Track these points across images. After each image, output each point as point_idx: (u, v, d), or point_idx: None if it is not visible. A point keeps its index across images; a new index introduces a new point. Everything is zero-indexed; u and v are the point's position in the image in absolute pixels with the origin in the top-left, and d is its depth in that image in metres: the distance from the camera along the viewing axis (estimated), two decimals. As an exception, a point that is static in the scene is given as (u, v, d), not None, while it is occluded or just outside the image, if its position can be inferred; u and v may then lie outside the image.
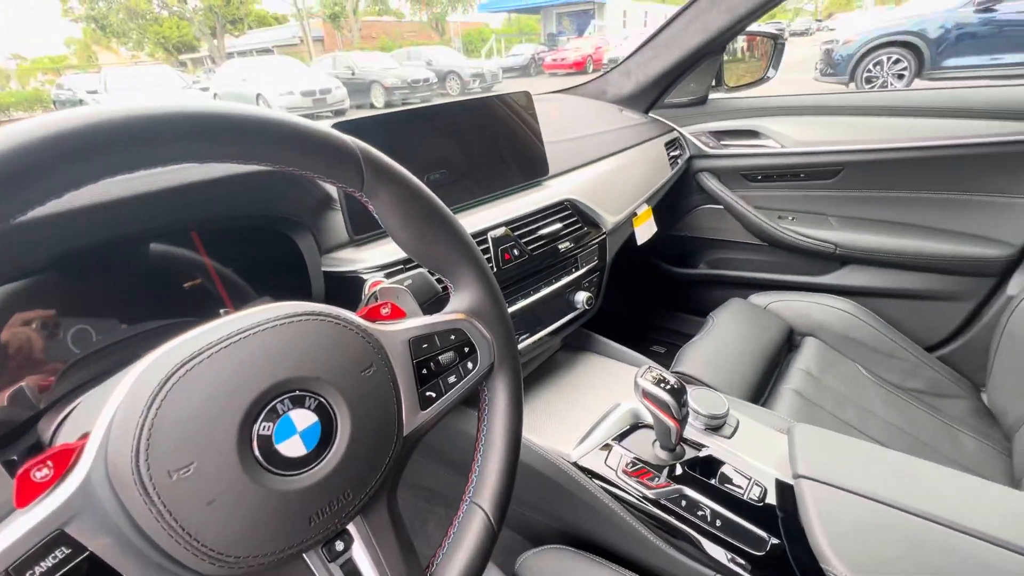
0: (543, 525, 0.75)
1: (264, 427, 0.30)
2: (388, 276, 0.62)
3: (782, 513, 0.60)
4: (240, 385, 0.29)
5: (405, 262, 0.64)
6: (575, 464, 0.68)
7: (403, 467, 0.38)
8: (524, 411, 0.45)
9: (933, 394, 1.01)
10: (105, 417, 0.27)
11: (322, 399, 0.32)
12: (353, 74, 11.41)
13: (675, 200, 1.40)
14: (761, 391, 0.98)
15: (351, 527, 0.34)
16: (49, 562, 0.25)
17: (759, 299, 1.20)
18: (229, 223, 0.58)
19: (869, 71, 6.29)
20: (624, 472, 0.67)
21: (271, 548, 0.29)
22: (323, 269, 0.64)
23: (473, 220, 0.73)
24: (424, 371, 0.39)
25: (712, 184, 1.32)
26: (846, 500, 0.55)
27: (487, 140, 0.82)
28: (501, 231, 0.74)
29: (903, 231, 1.13)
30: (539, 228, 0.79)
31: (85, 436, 0.28)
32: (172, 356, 0.29)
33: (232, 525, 0.28)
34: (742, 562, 0.57)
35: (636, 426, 0.73)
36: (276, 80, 9.28)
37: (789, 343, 1.12)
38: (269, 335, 0.31)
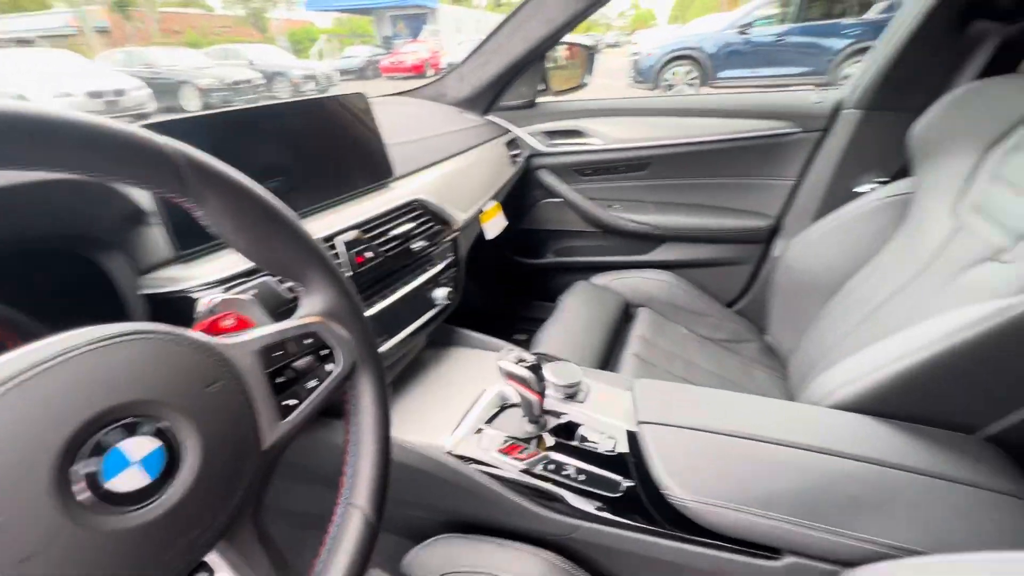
0: (426, 521, 0.75)
1: (88, 464, 0.26)
2: (229, 291, 0.57)
3: (632, 457, 0.69)
4: (44, 425, 0.26)
5: (248, 273, 0.59)
6: (450, 453, 0.70)
7: (267, 482, 0.36)
8: (395, 411, 0.46)
9: (735, 341, 1.24)
10: None
11: (161, 423, 0.29)
12: (155, 73, 9.84)
13: (520, 196, 1.50)
14: (608, 358, 1.11)
15: (215, 555, 0.32)
16: None
17: (599, 280, 1.35)
18: (8, 248, 0.48)
19: (667, 79, 7.37)
20: (498, 451, 0.71)
21: None
22: (143, 292, 0.57)
23: (320, 225, 0.70)
24: (280, 380, 0.38)
25: (550, 180, 1.44)
26: (677, 435, 0.67)
27: (325, 143, 0.80)
28: (352, 234, 0.73)
29: (700, 211, 1.36)
30: (390, 229, 0.79)
31: None
32: None
33: None
34: (603, 506, 0.64)
35: (504, 407, 0.77)
36: (46, 78, 7.58)
37: (627, 314, 1.28)
38: (80, 362, 0.28)
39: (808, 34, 6.73)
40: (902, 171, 1.01)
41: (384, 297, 0.77)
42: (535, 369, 0.68)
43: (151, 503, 0.28)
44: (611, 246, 1.46)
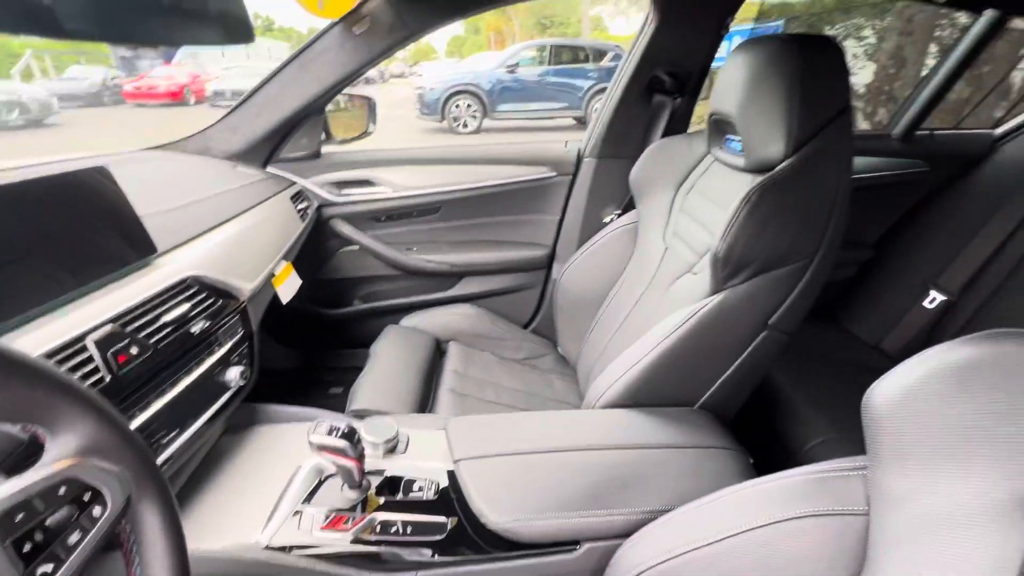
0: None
1: None
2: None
3: (454, 494, 0.75)
4: None
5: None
6: (268, 547, 0.66)
7: None
8: (195, 515, 0.42)
9: (534, 357, 1.41)
10: None
11: None
12: None
13: (316, 248, 1.46)
14: (427, 399, 1.16)
15: None
16: None
17: (408, 321, 1.39)
18: None
19: (453, 111, 7.86)
20: (322, 529, 0.69)
21: None
22: None
23: (61, 326, 0.60)
24: (28, 548, 0.33)
25: (345, 229, 1.44)
26: (488, 464, 0.75)
27: (59, 227, 0.68)
28: (106, 330, 0.63)
29: (490, 246, 1.52)
30: (160, 315, 0.71)
31: None
32: None
33: None
34: (433, 551, 0.69)
35: (322, 480, 0.76)
36: None
37: (439, 350, 1.35)
38: None
39: (562, 75, 7.94)
40: (631, 203, 1.30)
41: (163, 394, 0.69)
42: (349, 435, 0.69)
43: None
44: (415, 287, 1.52)
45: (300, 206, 1.28)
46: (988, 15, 1.32)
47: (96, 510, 0.37)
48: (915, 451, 0.45)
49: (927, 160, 1.50)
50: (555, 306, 1.38)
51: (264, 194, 1.18)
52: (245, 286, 0.90)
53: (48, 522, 0.34)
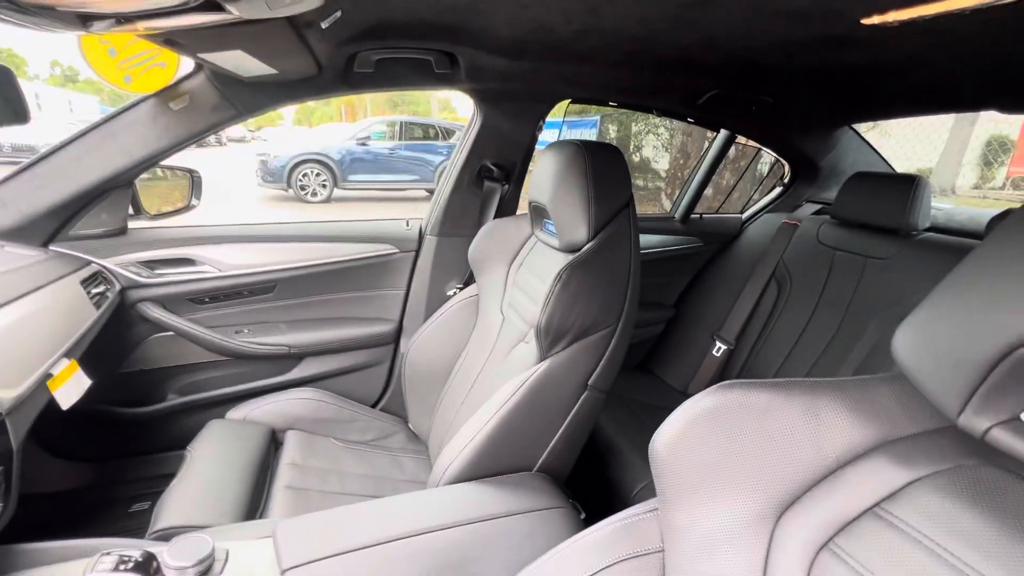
0: None
1: None
2: None
3: (281, 611, 0.67)
4: None
5: None
6: None
7: None
8: None
9: (383, 437, 1.36)
10: None
11: None
12: None
13: (117, 338, 1.25)
14: (257, 501, 1.03)
15: None
16: None
17: (236, 413, 1.25)
18: None
19: (300, 180, 7.58)
20: None
21: None
22: None
23: None
24: None
25: (156, 313, 1.27)
26: (322, 567, 0.69)
27: None
28: None
29: (332, 324, 1.47)
30: None
31: None
32: None
33: None
34: None
35: (107, 628, 0.62)
36: None
37: (275, 443, 1.23)
38: None
39: (413, 150, 8.25)
40: (470, 279, 1.38)
41: None
42: (143, 567, 0.59)
43: None
44: (246, 373, 1.39)
45: (95, 290, 1.11)
46: (723, 132, 1.78)
47: None
48: (687, 487, 0.54)
49: (700, 237, 1.89)
50: (404, 381, 1.37)
51: (45, 278, 1.00)
52: (6, 395, 0.73)
53: None
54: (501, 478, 0.90)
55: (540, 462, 0.96)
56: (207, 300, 1.34)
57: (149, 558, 0.59)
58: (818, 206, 1.82)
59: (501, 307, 1.22)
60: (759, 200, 2.03)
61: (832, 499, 0.49)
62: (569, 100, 1.46)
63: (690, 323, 1.86)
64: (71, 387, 0.91)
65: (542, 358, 0.93)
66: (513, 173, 1.48)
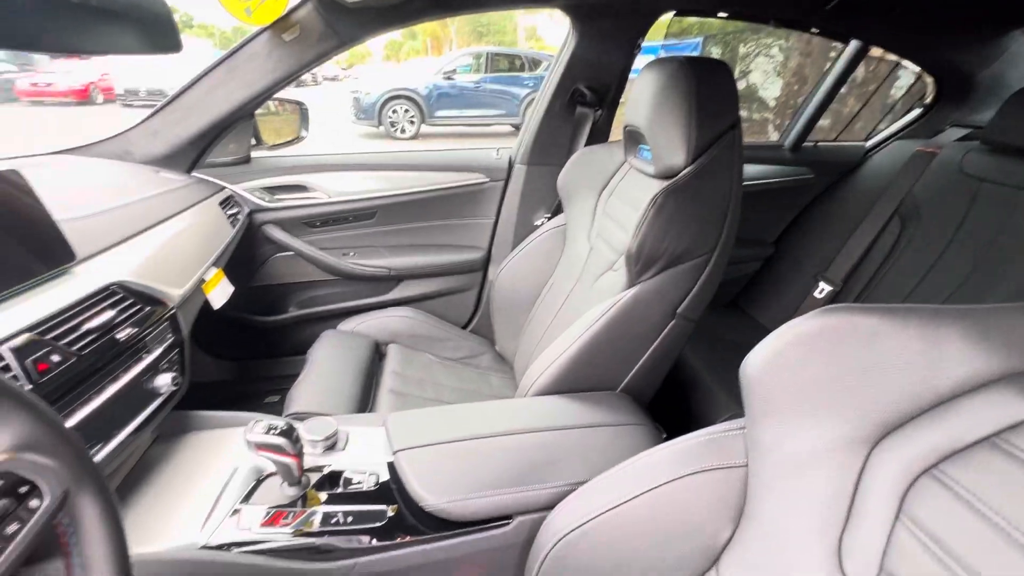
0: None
1: None
2: None
3: (394, 484, 0.78)
4: None
5: None
6: (206, 547, 0.67)
7: None
8: (127, 522, 0.44)
9: (472, 356, 1.47)
10: None
11: None
12: None
13: (248, 254, 1.43)
14: (366, 400, 1.18)
15: None
16: None
17: (346, 325, 1.40)
18: None
19: (390, 116, 7.77)
20: (261, 525, 0.71)
21: None
22: None
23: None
24: None
25: (278, 235, 1.43)
26: (426, 452, 0.79)
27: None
28: (23, 339, 0.62)
29: (427, 250, 1.56)
30: (83, 323, 0.70)
31: None
32: None
33: None
34: (374, 537, 0.72)
35: (261, 479, 0.77)
36: None
37: (378, 353, 1.37)
38: None
39: (499, 83, 8.07)
40: (558, 208, 1.39)
41: (88, 401, 0.68)
42: (287, 433, 0.71)
43: None
44: (352, 291, 1.53)
45: (230, 212, 1.26)
46: (853, 44, 1.54)
47: (33, 502, 0.38)
48: (778, 406, 0.54)
49: (812, 168, 1.71)
50: (492, 306, 1.44)
51: (191, 199, 1.16)
52: (173, 292, 0.89)
53: None
54: (585, 394, 0.94)
55: (624, 383, 0.99)
56: (318, 224, 1.48)
57: (291, 428, 0.72)
58: (965, 131, 1.56)
59: (589, 236, 1.22)
60: (889, 126, 1.78)
61: (942, 427, 0.47)
62: (672, 13, 1.34)
63: (791, 262, 1.74)
64: (219, 291, 1.07)
65: (631, 284, 0.94)
66: (607, 97, 1.42)
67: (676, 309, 0.95)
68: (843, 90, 1.62)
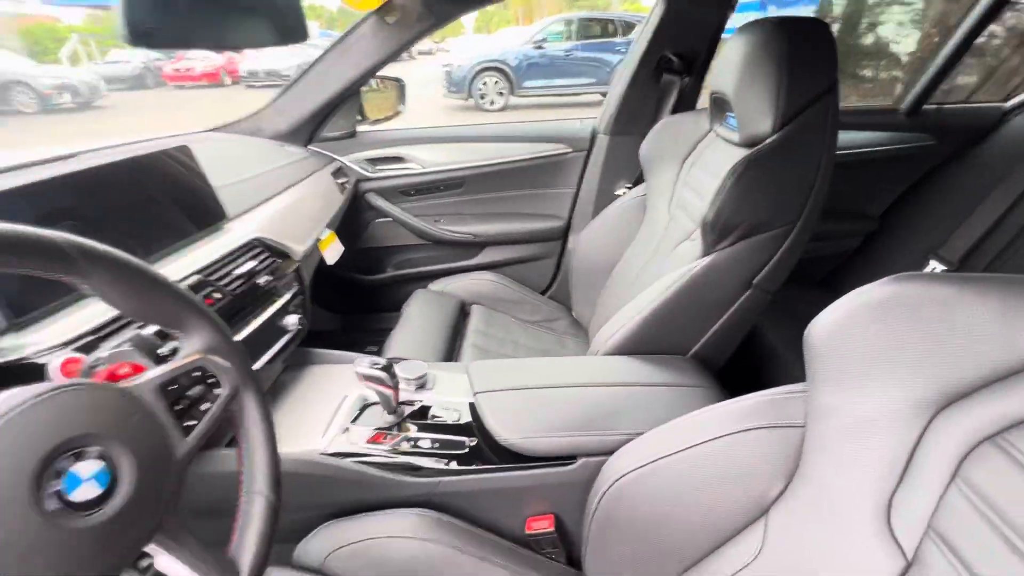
0: (311, 517, 0.86)
1: (53, 484, 0.36)
2: (83, 348, 0.61)
3: (474, 421, 0.89)
4: (13, 460, 0.35)
5: (96, 329, 0.64)
6: (324, 453, 0.82)
7: (182, 488, 0.46)
8: None
9: (550, 320, 1.54)
10: None
11: (100, 449, 0.39)
12: None
13: (354, 218, 1.61)
14: (451, 352, 1.31)
15: (153, 544, 0.42)
16: None
17: (436, 286, 1.54)
18: None
19: (480, 88, 7.88)
20: (366, 442, 0.85)
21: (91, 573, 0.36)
22: (-19, 363, 0.58)
23: (166, 272, 0.76)
24: (179, 407, 0.48)
25: (379, 202, 1.58)
26: (503, 396, 0.89)
27: (157, 195, 0.84)
28: (194, 279, 0.79)
29: (510, 218, 1.64)
30: (233, 269, 0.87)
31: None
32: None
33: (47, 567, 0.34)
34: (455, 462, 0.83)
35: (365, 406, 0.92)
36: None
37: (463, 312, 1.50)
38: (30, 412, 0.37)
39: (590, 50, 7.84)
40: (640, 178, 1.40)
41: (238, 331, 0.85)
42: (387, 369, 0.84)
43: (103, 508, 0.38)
44: (442, 255, 1.66)
45: (340, 181, 1.43)
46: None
47: (217, 391, 0.52)
48: (841, 372, 0.56)
49: (934, 134, 1.53)
50: (570, 273, 1.50)
51: (309, 169, 1.34)
52: (298, 248, 1.05)
53: (189, 393, 0.50)
54: (654, 357, 0.98)
55: (694, 349, 1.01)
56: (412, 192, 1.61)
57: (391, 365, 0.85)
58: None
59: (669, 207, 1.23)
60: (1039, 83, 1.54)
61: (1012, 397, 0.46)
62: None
63: (899, 238, 1.59)
64: (332, 250, 1.24)
65: (706, 253, 0.95)
66: (695, 64, 1.38)
67: (752, 279, 0.95)
68: (978, 37, 1.42)
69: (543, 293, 1.70)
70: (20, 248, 0.39)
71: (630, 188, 1.49)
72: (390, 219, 1.62)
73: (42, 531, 0.34)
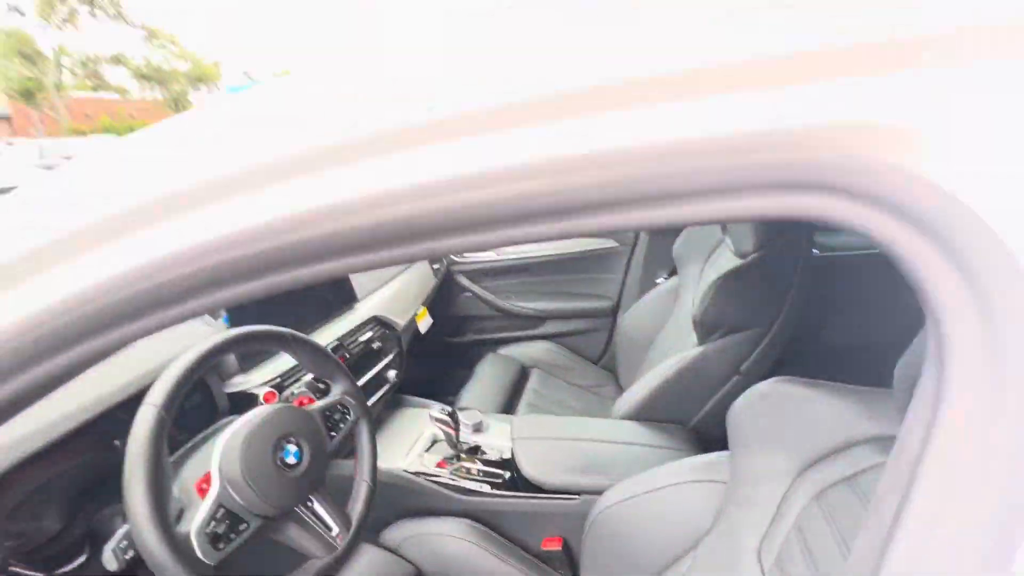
0: (392, 516, 1.21)
1: (280, 455, 0.75)
2: (275, 386, 1.05)
3: (512, 459, 1.20)
4: (265, 437, 0.74)
5: (283, 375, 1.07)
6: (405, 471, 1.18)
7: (327, 470, 0.84)
8: None
9: (598, 386, 1.82)
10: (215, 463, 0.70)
11: (296, 441, 0.78)
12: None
13: (447, 293, 2.05)
14: (510, 407, 1.63)
15: (314, 495, 0.80)
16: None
17: (504, 351, 1.90)
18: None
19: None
20: (435, 466, 1.20)
21: (287, 502, 0.74)
22: (225, 391, 1.04)
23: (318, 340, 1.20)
24: (329, 424, 0.87)
25: (464, 281, 2.01)
26: (535, 442, 1.20)
27: (318, 292, 1.31)
28: (335, 344, 1.23)
29: (569, 297, 1.98)
30: (359, 337, 1.30)
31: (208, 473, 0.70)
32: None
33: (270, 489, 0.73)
34: (493, 488, 1.15)
35: (435, 441, 1.27)
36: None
37: (524, 374, 1.82)
38: (267, 417, 0.77)
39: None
40: (674, 270, 1.67)
41: (359, 378, 1.27)
42: (452, 415, 1.20)
43: (295, 470, 0.76)
44: (511, 325, 2.03)
45: (435, 267, 1.88)
46: None
47: (349, 417, 0.91)
48: (744, 443, 0.81)
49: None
50: (617, 347, 1.78)
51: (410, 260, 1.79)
52: (400, 321, 1.48)
53: (334, 418, 0.88)
54: (658, 424, 1.23)
55: (694, 421, 1.25)
56: (491, 274, 2.02)
57: (455, 412, 1.20)
58: None
59: (693, 298, 1.49)
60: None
61: (837, 465, 0.69)
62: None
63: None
64: (424, 322, 1.66)
65: (700, 343, 1.21)
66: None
67: (740, 367, 1.18)
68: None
69: (596, 363, 1.98)
70: (266, 338, 0.81)
71: (667, 278, 1.76)
72: (471, 295, 2.04)
73: (273, 472, 0.73)
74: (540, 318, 2.00)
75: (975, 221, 0.22)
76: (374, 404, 1.31)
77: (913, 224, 0.23)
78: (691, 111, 0.23)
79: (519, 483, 1.15)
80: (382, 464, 1.20)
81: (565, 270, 1.98)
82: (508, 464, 1.20)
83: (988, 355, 0.22)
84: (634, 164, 0.24)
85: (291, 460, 0.76)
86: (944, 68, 0.22)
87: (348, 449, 1.19)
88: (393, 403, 1.47)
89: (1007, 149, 0.21)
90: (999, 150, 0.21)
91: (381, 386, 1.35)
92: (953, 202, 0.22)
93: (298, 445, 0.78)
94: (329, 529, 0.80)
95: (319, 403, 0.88)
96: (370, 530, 1.13)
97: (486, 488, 1.15)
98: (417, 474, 1.18)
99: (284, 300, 1.26)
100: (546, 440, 1.20)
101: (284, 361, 1.09)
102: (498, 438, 1.27)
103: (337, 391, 0.92)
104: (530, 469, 1.13)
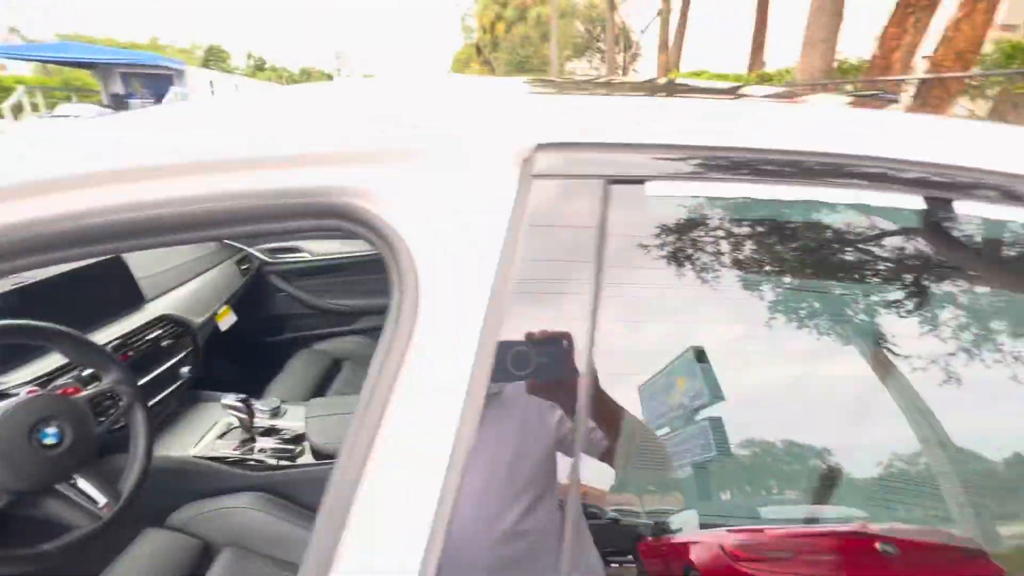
0: (184, 500, 1.26)
1: (36, 436, 0.82)
2: (40, 384, 1.05)
3: (305, 435, 1.35)
4: (19, 423, 0.81)
5: (50, 373, 1.08)
6: (195, 456, 1.26)
7: (96, 451, 0.91)
8: (160, 438, 1.02)
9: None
10: None
11: (58, 424, 0.85)
12: None
13: (260, 293, 2.08)
14: (321, 395, 1.76)
15: (77, 473, 0.87)
16: None
17: (318, 346, 2.01)
18: None
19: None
20: (231, 449, 1.30)
21: (45, 479, 0.82)
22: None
23: (98, 338, 1.21)
24: (99, 411, 0.94)
25: (277, 282, 2.07)
26: (326, 419, 1.36)
27: (94, 289, 1.30)
28: (117, 342, 1.25)
29: (381, 294, 2.16)
30: (146, 335, 1.33)
31: None
32: None
33: (31, 469, 0.80)
34: (285, 462, 1.29)
35: (230, 428, 1.36)
36: None
37: (336, 367, 1.96)
38: (22, 403, 0.83)
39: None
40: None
41: (148, 372, 1.30)
42: (245, 401, 1.31)
43: (57, 448, 0.84)
44: (327, 322, 2.15)
45: (243, 267, 1.92)
46: None
47: (121, 404, 0.98)
48: None
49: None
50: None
51: (217, 259, 1.82)
52: (196, 320, 1.52)
53: (104, 404, 0.96)
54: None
55: None
56: (305, 274, 2.11)
57: (247, 399, 1.31)
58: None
59: None
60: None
61: None
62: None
63: None
64: (226, 320, 1.71)
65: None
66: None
67: None
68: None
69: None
70: (26, 333, 0.87)
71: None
72: (285, 293, 2.11)
73: (29, 452, 0.80)
74: (354, 314, 2.15)
75: (398, 238, 0.47)
76: (165, 398, 1.35)
77: (377, 236, 0.48)
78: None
79: (312, 454, 1.31)
80: (171, 453, 1.27)
81: (375, 270, 2.16)
82: (301, 439, 1.35)
83: (409, 309, 0.48)
84: (208, 203, 0.45)
85: (50, 441, 0.83)
86: (389, 165, 0.47)
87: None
88: (190, 399, 1.50)
89: (413, 205, 0.48)
90: (410, 205, 0.48)
91: (174, 382, 1.39)
92: (391, 227, 0.47)
93: (59, 428, 0.85)
94: (95, 503, 0.88)
95: (86, 392, 0.94)
96: (158, 516, 1.20)
97: (281, 462, 1.29)
98: (205, 458, 1.27)
99: (64, 301, 1.24)
100: (336, 415, 1.37)
101: (53, 360, 1.10)
102: (294, 420, 1.41)
103: (107, 381, 0.99)
104: (317, 439, 1.30)
